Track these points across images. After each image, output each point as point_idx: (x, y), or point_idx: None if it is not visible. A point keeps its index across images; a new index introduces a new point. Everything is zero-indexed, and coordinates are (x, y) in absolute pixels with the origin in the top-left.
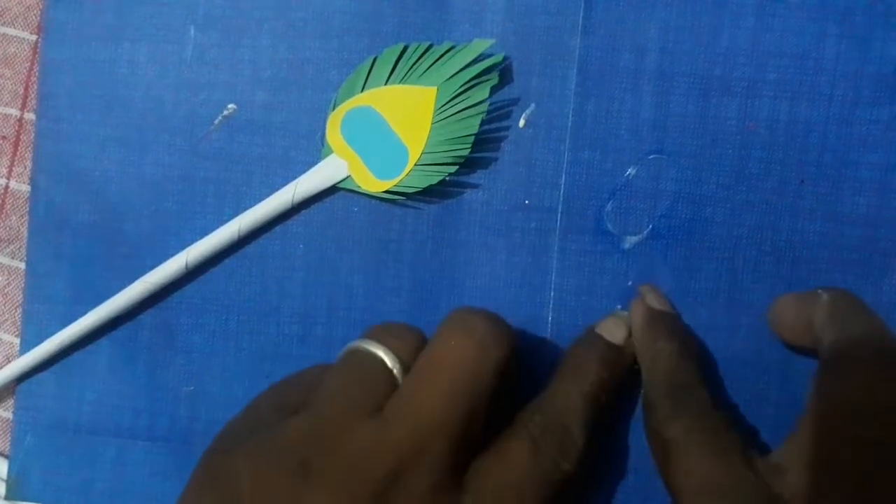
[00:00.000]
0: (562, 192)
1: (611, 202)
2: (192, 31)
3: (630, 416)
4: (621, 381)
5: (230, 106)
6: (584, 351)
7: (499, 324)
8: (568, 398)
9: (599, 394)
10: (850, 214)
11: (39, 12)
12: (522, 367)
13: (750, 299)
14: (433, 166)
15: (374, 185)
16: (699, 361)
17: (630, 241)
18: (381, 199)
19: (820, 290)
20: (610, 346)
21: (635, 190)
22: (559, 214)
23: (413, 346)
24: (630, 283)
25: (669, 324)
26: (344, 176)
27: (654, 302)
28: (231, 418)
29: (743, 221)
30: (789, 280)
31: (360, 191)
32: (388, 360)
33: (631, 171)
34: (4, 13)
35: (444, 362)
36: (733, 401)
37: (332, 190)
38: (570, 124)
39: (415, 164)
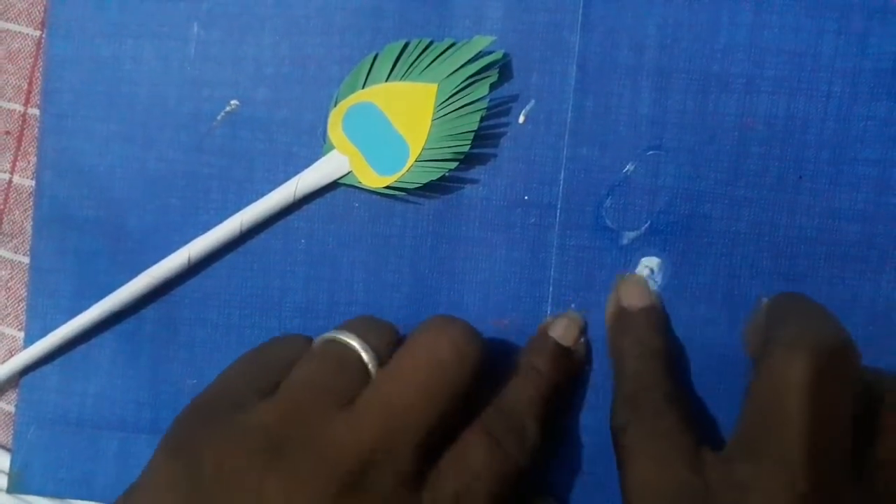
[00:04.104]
0: (561, 188)
1: (609, 198)
2: (196, 28)
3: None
4: (574, 378)
5: (233, 102)
6: (535, 353)
7: (473, 330)
8: (522, 396)
9: (552, 393)
10: (848, 210)
11: (43, 8)
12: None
13: (748, 294)
14: (433, 162)
15: (374, 180)
16: (668, 357)
17: (628, 236)
18: (382, 195)
19: (763, 299)
20: (561, 349)
21: (634, 186)
22: (558, 210)
23: (389, 341)
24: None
25: (636, 322)
26: (345, 172)
27: (628, 296)
28: (202, 391)
29: (741, 217)
30: (787, 275)
31: (361, 186)
32: (364, 354)
33: (629, 167)
34: (8, 9)
35: (419, 360)
36: (729, 397)
37: (334, 185)
38: (569, 120)
39: (415, 160)
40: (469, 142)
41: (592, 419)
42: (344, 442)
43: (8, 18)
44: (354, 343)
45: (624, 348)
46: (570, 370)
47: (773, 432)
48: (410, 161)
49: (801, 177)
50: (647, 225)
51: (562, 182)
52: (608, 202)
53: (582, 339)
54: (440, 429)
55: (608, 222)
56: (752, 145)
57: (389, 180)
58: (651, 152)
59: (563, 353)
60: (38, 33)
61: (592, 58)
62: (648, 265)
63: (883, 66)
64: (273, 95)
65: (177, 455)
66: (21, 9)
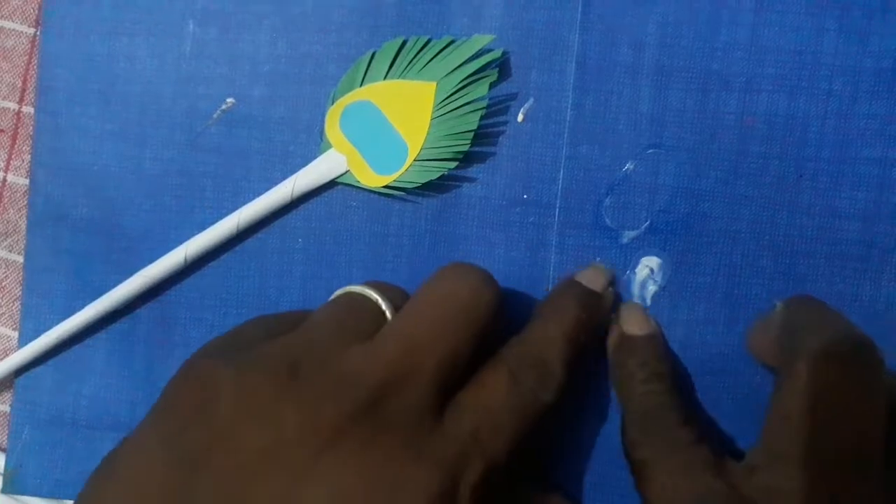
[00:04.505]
0: (560, 186)
1: (609, 197)
2: (191, 26)
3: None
4: (600, 324)
5: (229, 100)
6: (563, 293)
7: (490, 275)
8: (547, 334)
9: (579, 333)
10: (849, 209)
11: (37, 5)
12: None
13: (748, 294)
14: (432, 161)
15: (372, 179)
16: (672, 378)
17: (628, 235)
18: (380, 194)
19: (776, 303)
20: (589, 293)
21: (633, 185)
22: (557, 209)
23: (402, 296)
24: (627, 273)
25: (641, 348)
26: (343, 171)
27: (630, 325)
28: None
29: (741, 216)
30: (787, 275)
31: (359, 186)
32: (382, 302)
33: (629, 165)
34: (2, 6)
35: (436, 297)
36: (729, 396)
37: (331, 184)
38: (568, 119)
39: (414, 160)
40: (468, 141)
41: (590, 420)
42: (361, 370)
43: (2, 16)
44: (371, 291)
45: (631, 371)
46: (597, 315)
47: (804, 438)
48: (409, 160)
49: (801, 176)
50: (646, 224)
51: (561, 181)
52: (608, 201)
53: (610, 289)
54: (458, 365)
55: (608, 221)
56: (752, 144)
57: (388, 180)
58: (651, 151)
59: (589, 295)
60: (32, 31)
61: (592, 56)
62: (648, 264)
63: (884, 65)
64: (269, 93)
65: (192, 385)
66: (15, 6)
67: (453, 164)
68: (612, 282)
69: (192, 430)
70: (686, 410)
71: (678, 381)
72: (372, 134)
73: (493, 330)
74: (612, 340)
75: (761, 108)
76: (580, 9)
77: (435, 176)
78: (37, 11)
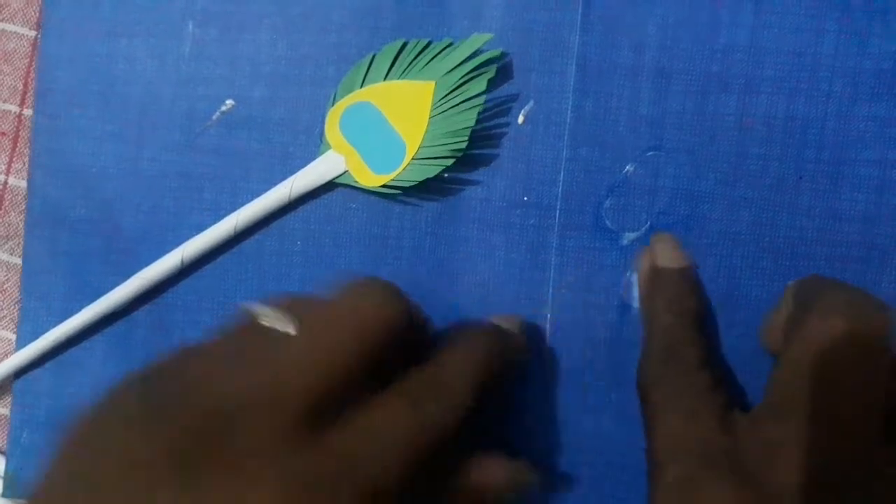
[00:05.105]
0: (560, 188)
1: (609, 199)
2: (191, 27)
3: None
4: (511, 361)
5: (228, 101)
6: (476, 325)
7: (392, 291)
8: (454, 358)
9: (489, 361)
10: (849, 211)
11: (38, 8)
12: (518, 364)
13: (748, 296)
14: (430, 160)
15: (371, 179)
16: (701, 318)
17: (628, 237)
18: (379, 195)
19: (788, 284)
20: (502, 329)
21: (633, 186)
22: (558, 211)
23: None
24: (628, 274)
25: (671, 281)
26: (341, 171)
27: (662, 256)
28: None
29: (741, 218)
30: (787, 277)
31: (358, 186)
32: (278, 324)
33: (629, 167)
34: (3, 9)
35: (329, 315)
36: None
37: (331, 186)
38: (568, 121)
39: (412, 158)
40: (466, 138)
41: (590, 421)
42: (212, 388)
43: (3, 18)
44: (263, 308)
45: (658, 305)
46: (507, 349)
47: (805, 391)
48: (407, 159)
49: (801, 177)
50: (647, 226)
51: (561, 183)
52: (608, 203)
53: (524, 332)
54: (342, 384)
55: (608, 223)
56: (751, 146)
57: (386, 179)
58: (651, 153)
59: (502, 331)
60: (33, 33)
61: (592, 58)
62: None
63: (883, 66)
64: (269, 95)
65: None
66: (16, 8)
67: (451, 162)
68: (524, 329)
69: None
70: (706, 351)
71: (705, 321)
72: (371, 134)
73: (418, 344)
74: (642, 272)
75: (761, 109)
76: (580, 10)
77: (433, 174)
78: (38, 14)
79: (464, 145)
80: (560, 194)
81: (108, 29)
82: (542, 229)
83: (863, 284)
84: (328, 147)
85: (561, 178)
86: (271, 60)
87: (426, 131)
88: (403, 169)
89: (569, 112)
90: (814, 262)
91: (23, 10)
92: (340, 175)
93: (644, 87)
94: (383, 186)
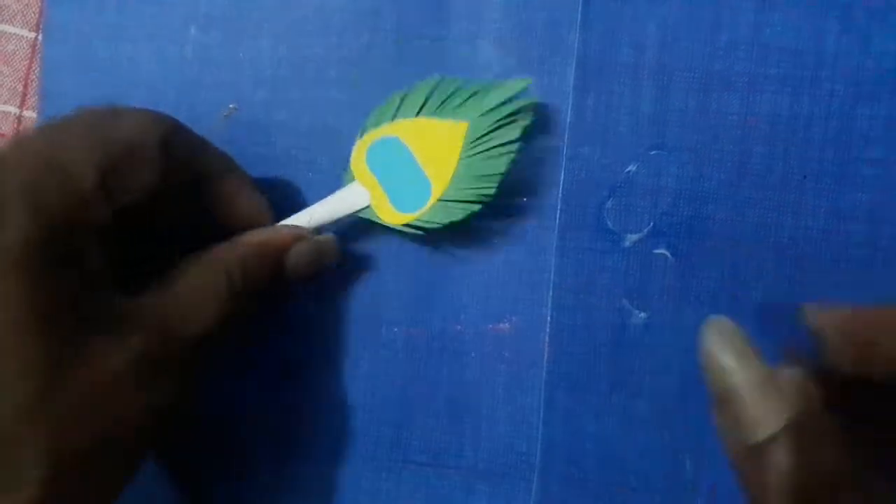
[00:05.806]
0: (561, 188)
1: (611, 199)
2: (193, 31)
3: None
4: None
5: (231, 105)
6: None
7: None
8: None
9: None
10: (853, 211)
11: (38, 10)
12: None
13: (752, 297)
14: (457, 203)
15: (393, 217)
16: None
17: (631, 238)
18: (400, 233)
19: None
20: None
21: (636, 186)
22: (558, 211)
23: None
24: (630, 278)
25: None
26: (365, 205)
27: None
28: None
29: (745, 218)
30: (791, 277)
31: (379, 221)
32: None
33: (631, 167)
34: (3, 10)
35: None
36: None
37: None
38: (568, 120)
39: (437, 199)
40: (495, 185)
41: (591, 423)
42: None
43: (2, 20)
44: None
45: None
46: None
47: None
48: (432, 200)
49: (805, 176)
50: (649, 227)
51: (562, 182)
52: (609, 203)
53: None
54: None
55: (609, 224)
56: (755, 144)
57: (409, 218)
58: (653, 152)
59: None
60: (33, 35)
61: (592, 56)
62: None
63: (886, 65)
64: (271, 98)
65: None
66: (16, 10)
67: (478, 208)
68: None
69: None
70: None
71: None
72: (397, 171)
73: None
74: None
75: (764, 108)
76: (580, 8)
77: (457, 218)
78: (37, 16)
79: (493, 191)
80: (560, 194)
81: (112, 33)
82: (541, 230)
83: (867, 284)
84: (352, 178)
85: (561, 177)
86: (272, 64)
87: (454, 173)
88: (428, 209)
89: (569, 111)
90: (818, 262)
91: (22, 12)
92: (363, 209)
93: (645, 84)
94: (405, 225)
